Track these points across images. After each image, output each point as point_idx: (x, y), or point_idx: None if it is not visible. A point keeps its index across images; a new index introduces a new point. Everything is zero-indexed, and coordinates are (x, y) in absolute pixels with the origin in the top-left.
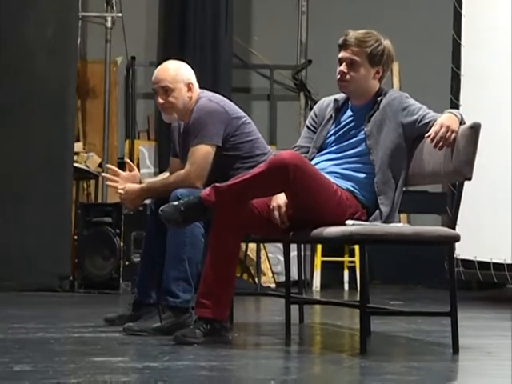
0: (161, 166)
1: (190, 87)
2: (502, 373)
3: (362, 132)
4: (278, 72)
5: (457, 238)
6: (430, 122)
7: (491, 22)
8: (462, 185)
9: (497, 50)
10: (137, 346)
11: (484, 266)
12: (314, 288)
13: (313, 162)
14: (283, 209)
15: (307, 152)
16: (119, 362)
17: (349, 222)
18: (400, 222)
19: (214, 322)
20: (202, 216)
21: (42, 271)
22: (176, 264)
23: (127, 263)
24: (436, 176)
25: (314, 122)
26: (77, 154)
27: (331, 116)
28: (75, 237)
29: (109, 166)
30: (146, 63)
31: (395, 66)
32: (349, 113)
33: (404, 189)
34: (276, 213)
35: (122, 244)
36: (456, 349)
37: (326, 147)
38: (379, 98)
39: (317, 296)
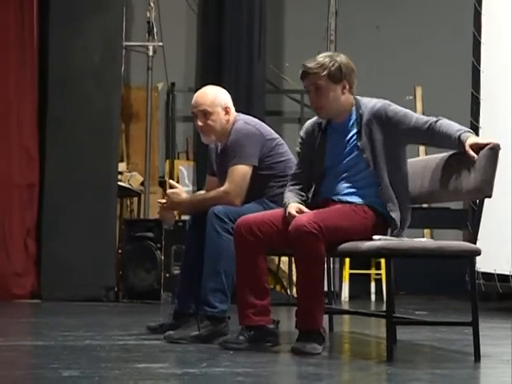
0: (199, 184)
1: (227, 111)
2: None
3: (356, 148)
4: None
5: (477, 252)
6: (419, 127)
7: (508, 49)
8: (482, 202)
9: None
10: (177, 353)
11: (503, 278)
12: (342, 299)
13: (323, 189)
14: (294, 213)
15: (305, 179)
16: (160, 368)
17: (375, 237)
18: (423, 236)
19: (257, 327)
20: None
21: (89, 283)
22: (213, 276)
23: (168, 275)
24: (458, 194)
25: (303, 147)
26: (121, 173)
27: (320, 139)
28: (119, 251)
29: (170, 181)
30: (185, 89)
31: (418, 91)
32: (335, 132)
33: (427, 205)
34: (293, 212)
35: (162, 257)
36: (477, 357)
37: (328, 171)
38: (360, 111)
39: (345, 306)
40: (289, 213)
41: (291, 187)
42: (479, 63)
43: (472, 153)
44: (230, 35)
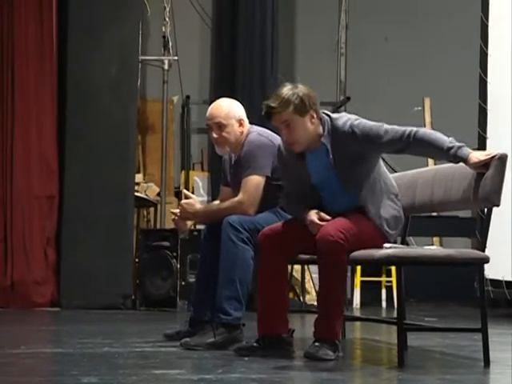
0: (213, 194)
1: (241, 123)
2: None
3: (332, 172)
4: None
5: (486, 260)
6: (397, 138)
7: None
8: (490, 211)
9: None
10: (193, 360)
11: (511, 285)
12: (354, 306)
13: (325, 203)
14: (317, 220)
15: (296, 195)
16: (177, 374)
17: (386, 245)
18: (433, 244)
19: (274, 337)
20: None
21: (106, 291)
22: (228, 284)
23: (183, 283)
24: (466, 203)
25: (286, 171)
26: (137, 184)
27: (300, 163)
28: (136, 259)
29: (185, 191)
30: (200, 101)
31: (427, 102)
32: (314, 158)
33: (436, 214)
34: (316, 220)
35: (178, 266)
36: (487, 362)
37: (321, 186)
38: (329, 136)
39: (357, 313)
40: (311, 220)
41: (292, 204)
42: (486, 74)
43: (482, 170)
44: (243, 49)
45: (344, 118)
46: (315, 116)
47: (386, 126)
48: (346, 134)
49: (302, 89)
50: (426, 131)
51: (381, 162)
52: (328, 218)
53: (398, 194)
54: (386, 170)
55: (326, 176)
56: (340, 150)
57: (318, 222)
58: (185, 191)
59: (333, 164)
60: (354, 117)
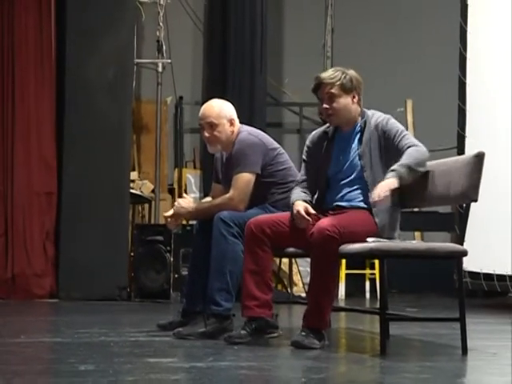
0: (205, 191)
1: (231, 122)
2: (505, 371)
3: (357, 154)
4: (306, 109)
5: (464, 253)
6: (400, 148)
7: (492, 64)
8: (468, 206)
9: (497, 89)
10: (185, 349)
11: (488, 277)
12: (339, 297)
13: (328, 197)
14: (303, 213)
15: (310, 185)
16: (169, 362)
17: (369, 239)
18: (414, 238)
19: (258, 319)
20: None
21: (103, 283)
22: (219, 276)
23: (176, 276)
24: (446, 198)
25: (309, 155)
26: (133, 181)
27: (327, 148)
28: (132, 253)
29: (185, 195)
30: (192, 102)
31: (409, 103)
32: (342, 141)
33: (417, 209)
34: (302, 212)
35: (172, 259)
36: (465, 350)
37: (332, 178)
38: (364, 120)
39: (342, 304)
40: (297, 211)
41: (297, 189)
42: (465, 77)
43: (374, 193)
44: (233, 53)
45: (379, 113)
46: (357, 98)
47: (407, 135)
48: (376, 123)
49: (352, 72)
50: (410, 151)
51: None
52: (313, 212)
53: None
54: None
55: (347, 163)
56: (370, 140)
57: (304, 214)
58: (184, 195)
59: (358, 148)
60: (388, 116)
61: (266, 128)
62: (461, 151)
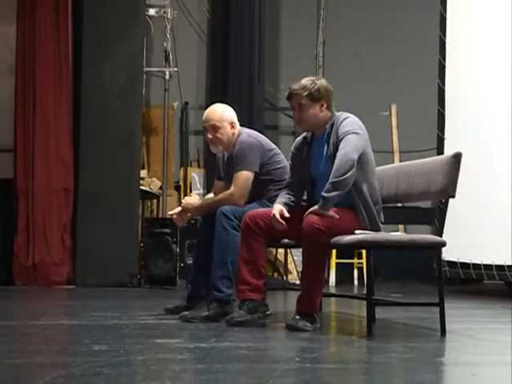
0: (208, 187)
1: (232, 125)
2: (480, 351)
3: (327, 155)
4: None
5: (443, 244)
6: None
7: (468, 72)
8: (447, 201)
9: (473, 95)
10: (190, 331)
11: (465, 265)
12: (330, 284)
13: (316, 194)
14: (277, 212)
15: (296, 187)
16: (176, 343)
17: (357, 231)
18: (398, 231)
19: (250, 301)
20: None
21: (116, 271)
22: (221, 265)
23: (182, 265)
24: (426, 195)
25: (294, 159)
26: (142, 179)
27: (307, 151)
28: (141, 244)
29: (190, 194)
30: (196, 107)
31: (393, 108)
32: (317, 144)
33: (401, 205)
34: (277, 215)
35: (178, 250)
36: (443, 332)
37: (316, 178)
38: (331, 124)
39: (332, 290)
40: (273, 214)
41: (283, 193)
42: (444, 84)
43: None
44: (234, 62)
45: (345, 116)
46: (325, 106)
47: (349, 144)
48: (337, 128)
49: (322, 81)
50: (336, 161)
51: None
52: (287, 215)
53: (379, 201)
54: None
55: (322, 163)
56: (335, 141)
57: (278, 218)
58: (190, 193)
59: (327, 151)
60: (354, 128)
61: (263, 130)
62: (440, 152)
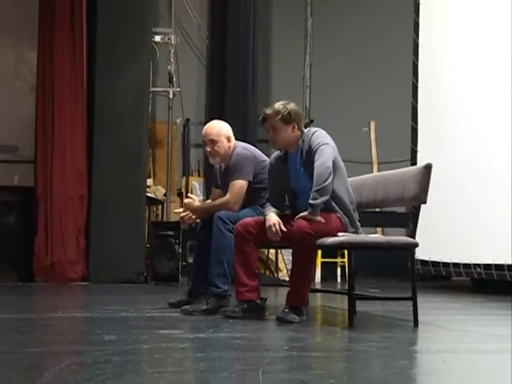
0: (207, 194)
1: (229, 139)
2: (449, 340)
3: (302, 167)
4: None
5: (416, 245)
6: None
7: (438, 92)
8: (419, 207)
9: (442, 112)
10: (190, 322)
11: (435, 264)
12: (316, 281)
13: (299, 203)
14: (277, 225)
15: (278, 198)
16: (177, 333)
17: (340, 234)
18: (376, 233)
19: (248, 301)
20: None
21: (125, 269)
22: (218, 264)
23: (184, 263)
24: (401, 201)
25: (271, 176)
26: (149, 186)
27: (283, 168)
28: (148, 245)
29: (190, 195)
30: (197, 123)
31: (372, 124)
32: (291, 161)
33: (379, 210)
34: (273, 228)
35: (180, 250)
36: (416, 323)
37: (297, 189)
38: (302, 140)
39: (318, 286)
40: (272, 225)
41: (269, 206)
42: (417, 102)
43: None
44: (230, 83)
45: (318, 139)
46: (297, 127)
47: (322, 156)
48: (308, 142)
49: (292, 106)
50: (315, 170)
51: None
52: (284, 229)
53: (353, 200)
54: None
55: (300, 176)
56: (306, 156)
57: (278, 230)
58: (189, 194)
59: (302, 164)
60: (324, 140)
61: (256, 143)
62: (413, 163)
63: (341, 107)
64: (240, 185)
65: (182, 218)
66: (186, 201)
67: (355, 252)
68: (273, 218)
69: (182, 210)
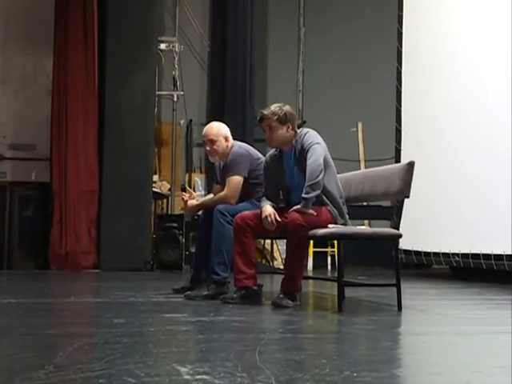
0: (208, 190)
1: (226, 139)
2: (429, 323)
3: (295, 167)
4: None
5: (400, 236)
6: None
7: (419, 96)
8: (403, 201)
9: (423, 114)
10: (192, 307)
11: (417, 253)
12: (308, 269)
13: (293, 198)
14: (272, 216)
15: (273, 193)
16: (181, 317)
17: (330, 225)
18: (363, 225)
19: (246, 288)
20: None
21: (133, 257)
22: (218, 253)
23: (187, 253)
24: (386, 195)
25: (267, 173)
26: (154, 182)
27: (278, 165)
28: (154, 236)
29: (188, 188)
30: (199, 123)
31: (359, 125)
32: (286, 159)
33: (366, 204)
34: (269, 218)
35: (183, 240)
36: (400, 308)
37: (292, 185)
38: (296, 140)
39: (310, 274)
40: (268, 215)
41: (265, 199)
42: (400, 105)
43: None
44: (230, 87)
45: (310, 139)
46: (291, 127)
47: (314, 154)
48: (301, 143)
49: (287, 107)
50: (307, 168)
51: (330, 169)
52: (279, 220)
53: (342, 195)
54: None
55: (294, 172)
56: (300, 155)
57: (272, 220)
58: (189, 189)
59: (296, 161)
60: (315, 140)
61: (253, 142)
62: (397, 160)
63: (331, 109)
64: (236, 180)
65: (184, 202)
66: (188, 203)
67: (344, 242)
68: (268, 209)
69: (187, 195)
